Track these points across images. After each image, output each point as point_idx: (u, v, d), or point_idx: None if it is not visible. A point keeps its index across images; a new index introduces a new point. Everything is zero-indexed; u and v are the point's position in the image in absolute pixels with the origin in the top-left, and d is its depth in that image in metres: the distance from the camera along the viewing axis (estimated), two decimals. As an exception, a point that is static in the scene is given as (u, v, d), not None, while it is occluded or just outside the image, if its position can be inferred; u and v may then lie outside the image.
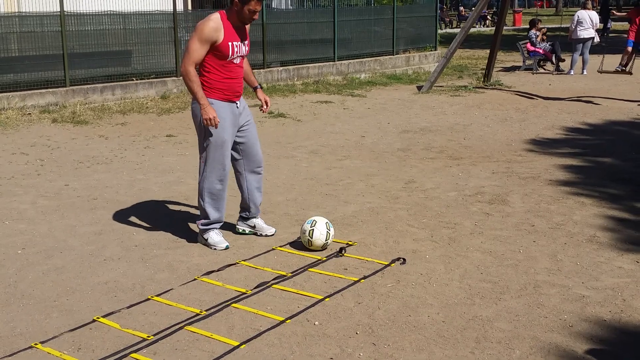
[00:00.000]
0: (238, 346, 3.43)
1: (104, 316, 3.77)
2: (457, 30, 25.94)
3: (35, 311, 3.84)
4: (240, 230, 5.11)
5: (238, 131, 4.80)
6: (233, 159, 4.89)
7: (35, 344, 3.45)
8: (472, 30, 24.45)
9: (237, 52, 4.61)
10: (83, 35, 11.18)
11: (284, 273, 4.39)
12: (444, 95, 12.85)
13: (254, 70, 13.84)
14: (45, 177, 6.76)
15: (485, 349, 3.41)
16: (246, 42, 4.72)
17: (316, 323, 3.69)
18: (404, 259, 4.58)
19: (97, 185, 6.49)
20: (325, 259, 4.63)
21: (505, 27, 21.44)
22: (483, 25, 35.47)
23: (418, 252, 4.75)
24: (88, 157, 7.62)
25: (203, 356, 3.34)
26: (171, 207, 5.84)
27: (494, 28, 16.97)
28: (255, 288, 4.15)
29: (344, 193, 6.29)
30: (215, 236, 4.84)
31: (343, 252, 4.72)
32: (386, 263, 4.53)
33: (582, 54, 15.63)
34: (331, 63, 15.10)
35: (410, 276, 4.33)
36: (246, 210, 5.08)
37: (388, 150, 8.18)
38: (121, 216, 5.56)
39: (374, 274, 4.36)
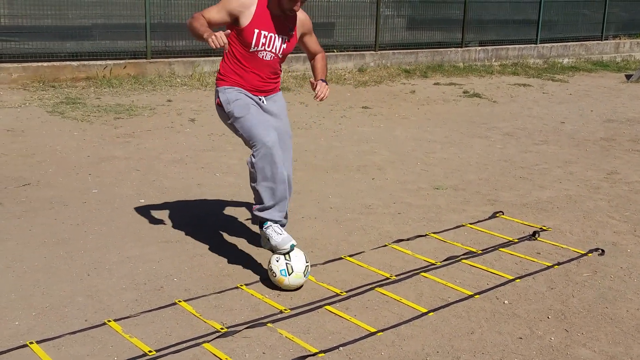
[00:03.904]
0: (426, 313, 3.51)
1: (301, 268, 4.01)
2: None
3: (240, 256, 4.17)
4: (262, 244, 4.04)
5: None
6: None
7: (241, 285, 3.76)
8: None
9: (265, 46, 3.78)
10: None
11: (473, 250, 4.39)
12: (656, 86, 11.91)
13: (449, 49, 13.60)
14: (251, 137, 7.24)
15: (690, 353, 3.20)
16: (286, 38, 3.84)
17: (505, 302, 3.67)
18: (603, 250, 4.39)
19: (296, 149, 6.79)
20: (517, 240, 4.56)
21: None
22: None
23: (619, 245, 4.52)
24: (289, 122, 8.02)
25: (392, 317, 3.46)
26: (364, 175, 6.02)
27: None
28: (444, 260, 4.20)
29: (539, 178, 6.11)
30: (276, 236, 3.75)
31: (537, 236, 4.61)
32: (583, 252, 4.37)
33: None
34: (532, 45, 14.53)
35: (608, 268, 4.14)
36: None
37: (590, 138, 7.78)
38: (318, 179, 5.84)
39: (569, 261, 4.23)
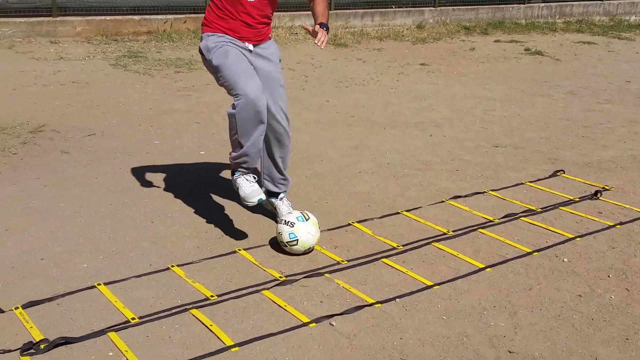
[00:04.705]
0: (484, 268, 3.51)
1: (358, 222, 4.05)
2: None
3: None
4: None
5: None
6: None
7: (299, 236, 3.82)
8: None
9: None
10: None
11: (533, 207, 4.34)
12: None
13: (511, 5, 13.19)
14: (309, 92, 7.25)
15: None
16: None
17: (565, 260, 3.64)
18: (668, 212, 4.30)
19: (354, 104, 6.82)
20: (578, 199, 4.49)
21: None
22: None
23: (684, 207, 4.41)
24: (347, 78, 8.00)
25: (448, 272, 3.48)
26: (421, 132, 5.98)
27: None
28: (502, 218, 4.17)
29: (602, 137, 5.96)
30: (247, 186, 3.64)
31: (598, 195, 4.52)
32: (646, 212, 4.28)
33: None
34: (598, 2, 14.00)
35: (673, 229, 4.05)
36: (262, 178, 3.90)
37: (657, 98, 7.53)
38: (375, 135, 5.82)
39: (631, 221, 4.15)
